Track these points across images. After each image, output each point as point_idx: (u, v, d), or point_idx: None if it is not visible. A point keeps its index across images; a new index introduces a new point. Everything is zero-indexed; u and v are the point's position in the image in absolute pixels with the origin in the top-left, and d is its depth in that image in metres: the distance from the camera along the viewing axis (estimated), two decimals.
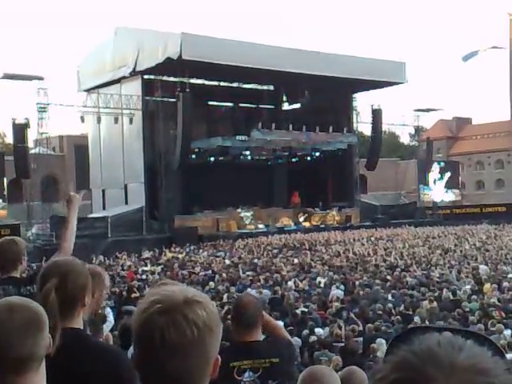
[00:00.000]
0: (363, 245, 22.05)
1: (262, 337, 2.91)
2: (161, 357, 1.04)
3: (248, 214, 31.37)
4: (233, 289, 12.42)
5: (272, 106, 36.16)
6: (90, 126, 32.01)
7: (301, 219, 33.30)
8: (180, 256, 20.25)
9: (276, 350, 2.79)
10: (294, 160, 36.21)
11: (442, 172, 42.12)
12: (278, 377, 2.63)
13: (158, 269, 16.68)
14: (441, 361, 0.68)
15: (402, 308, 10.23)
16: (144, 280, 14.31)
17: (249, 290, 12.37)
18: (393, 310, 10.09)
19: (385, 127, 40.07)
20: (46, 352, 1.52)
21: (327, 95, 33.23)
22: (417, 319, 9.37)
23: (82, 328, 2.12)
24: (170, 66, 27.03)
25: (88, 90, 31.59)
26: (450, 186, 42.28)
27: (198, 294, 1.12)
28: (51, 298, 1.90)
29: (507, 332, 8.09)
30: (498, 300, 10.32)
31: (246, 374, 2.60)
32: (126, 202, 29.98)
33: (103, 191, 31.86)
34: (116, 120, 29.19)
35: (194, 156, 30.25)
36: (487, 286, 11.80)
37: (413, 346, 0.72)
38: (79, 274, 2.12)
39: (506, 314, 9.34)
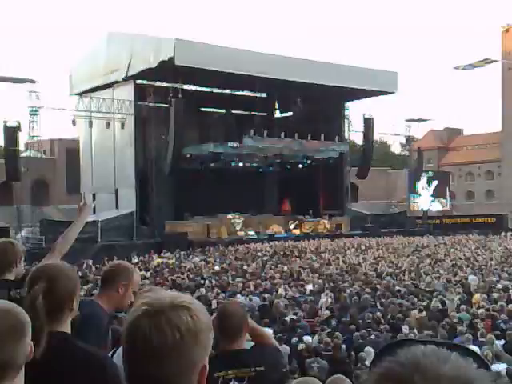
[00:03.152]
0: (353, 253, 22.08)
1: (247, 345, 2.89)
2: (143, 359, 1.04)
3: (239, 220, 31.36)
4: (222, 295, 12.37)
5: (264, 114, 36.24)
6: (82, 129, 31.92)
7: (291, 227, 33.33)
8: (170, 262, 20.17)
9: (262, 358, 2.76)
10: (285, 167, 36.27)
11: (429, 181, 42.42)
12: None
13: (148, 274, 16.60)
14: (427, 372, 0.69)
15: (390, 317, 10.23)
16: None
17: (238, 296, 12.34)
18: (381, 319, 10.09)
19: (376, 136, 40.42)
20: (25, 360, 1.49)
21: (319, 103, 33.37)
22: (405, 328, 9.37)
23: (69, 332, 2.09)
24: (162, 71, 27.05)
25: (80, 94, 31.59)
26: (437, 195, 42.49)
27: (189, 300, 1.12)
28: (38, 302, 1.89)
29: (499, 342, 8.11)
30: (487, 310, 10.35)
31: None
32: (117, 207, 29.88)
33: (94, 195, 31.68)
34: (108, 124, 29.18)
35: (185, 162, 30.22)
36: (476, 296, 11.84)
37: (399, 357, 0.72)
38: (68, 278, 2.10)
39: (493, 325, 9.37)
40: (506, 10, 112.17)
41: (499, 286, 13.26)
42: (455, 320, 9.75)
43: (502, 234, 32.63)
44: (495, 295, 11.90)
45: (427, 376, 0.68)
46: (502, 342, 8.30)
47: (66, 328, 2.08)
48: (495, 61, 55.02)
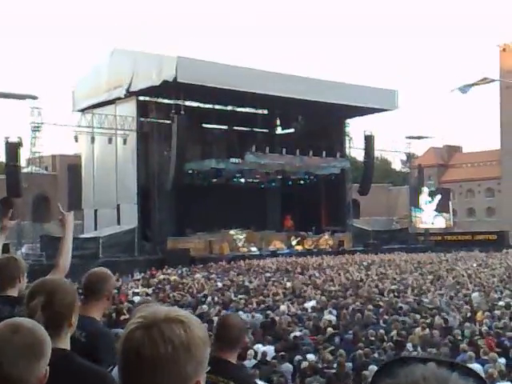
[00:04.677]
0: (356, 270, 22.02)
1: (235, 361, 2.90)
2: (136, 370, 1.05)
3: (241, 236, 31.31)
4: (224, 312, 12.32)
5: (266, 130, 36.40)
6: (84, 145, 32.06)
7: (293, 243, 33.27)
8: (172, 278, 20.11)
9: (240, 376, 2.79)
10: (287, 183, 36.32)
11: (432, 195, 42.43)
12: None
13: (149, 291, 16.54)
14: None
15: (393, 334, 10.18)
16: (134, 302, 14.16)
17: (241, 313, 12.28)
18: (385, 336, 10.05)
19: (377, 153, 40.46)
20: (38, 383, 1.47)
21: (320, 120, 33.54)
22: (409, 346, 9.33)
23: (68, 348, 2.06)
24: (165, 88, 27.28)
25: (82, 110, 31.76)
26: (440, 210, 42.49)
27: (185, 314, 1.12)
28: (37, 316, 1.87)
29: (501, 360, 8.07)
30: (490, 328, 10.31)
31: None
32: (119, 223, 29.84)
33: (95, 211, 31.73)
34: (110, 140, 29.30)
35: (187, 178, 30.28)
36: (479, 313, 11.80)
37: (397, 379, 0.72)
38: (67, 293, 2.08)
39: (497, 342, 9.33)
40: (504, 29, 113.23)
41: (501, 303, 13.22)
42: (458, 337, 9.72)
43: (504, 251, 32.57)
44: (497, 312, 11.85)
45: None
46: (504, 360, 8.25)
47: (66, 344, 2.05)
48: (493, 80, 55.40)
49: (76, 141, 30.13)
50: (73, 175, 38.57)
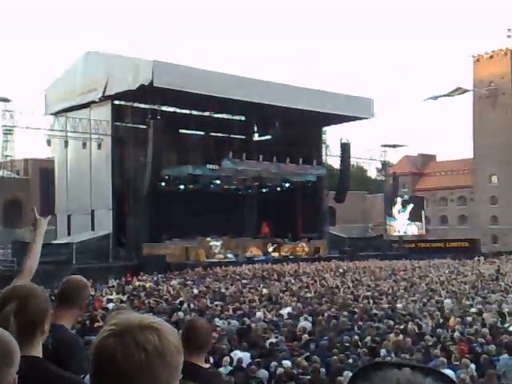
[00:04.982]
0: (331, 277, 22.16)
1: (204, 365, 2.91)
2: (110, 379, 1.04)
3: (217, 243, 31.23)
4: (201, 319, 12.27)
5: (243, 137, 36.48)
6: (57, 150, 31.63)
7: (270, 249, 33.32)
8: (147, 285, 19.95)
9: (210, 379, 2.80)
10: (263, 190, 36.40)
11: (405, 204, 43.08)
12: None
13: (124, 297, 16.38)
14: None
15: (368, 340, 10.28)
16: (109, 309, 14.02)
17: (217, 320, 12.26)
18: (359, 342, 10.13)
19: (353, 161, 40.86)
20: None
21: (297, 128, 33.75)
22: (383, 352, 9.42)
23: (40, 356, 2.02)
24: (140, 92, 27.07)
25: (56, 114, 31.28)
26: (413, 218, 43.11)
27: (159, 322, 1.11)
28: (10, 323, 1.82)
29: (473, 366, 8.20)
30: (462, 334, 10.48)
31: None
32: (93, 229, 29.50)
33: (69, 216, 31.31)
34: (84, 145, 28.91)
35: (163, 183, 30.12)
36: (452, 319, 11.98)
37: None
38: (39, 299, 2.03)
39: (469, 348, 9.48)
40: (477, 39, 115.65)
41: (473, 309, 13.45)
42: (431, 343, 9.86)
43: (475, 258, 33.13)
44: (469, 319, 12.05)
45: None
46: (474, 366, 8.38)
47: (38, 352, 2.01)
48: (467, 90, 56.75)
49: (49, 145, 29.65)
50: (45, 180, 38.08)
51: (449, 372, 7.80)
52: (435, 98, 54.49)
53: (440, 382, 0.74)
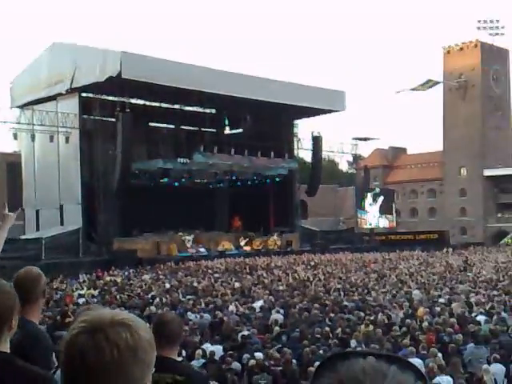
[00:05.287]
0: (303, 269, 22.33)
1: (178, 358, 2.94)
2: (81, 377, 1.02)
3: (189, 237, 31.11)
4: (172, 312, 12.23)
5: (214, 130, 36.31)
6: (24, 143, 31.01)
7: (242, 243, 33.36)
8: (118, 279, 19.78)
9: (185, 370, 2.81)
10: (235, 184, 36.35)
11: (375, 197, 43.63)
12: None
13: (95, 292, 16.22)
14: None
15: (338, 331, 10.39)
16: (80, 304, 13.87)
17: (189, 314, 12.24)
18: (330, 334, 10.24)
19: (324, 154, 41.08)
20: None
21: (269, 121, 33.77)
22: (353, 343, 9.54)
23: (8, 351, 2.00)
24: (109, 84, 26.64)
25: (22, 107, 30.66)
26: (383, 211, 43.68)
27: (131, 317, 1.09)
28: None
29: (441, 355, 8.36)
30: (430, 324, 10.67)
31: None
32: (62, 223, 29.07)
33: (37, 211, 30.77)
34: (51, 138, 28.37)
35: (134, 177, 29.80)
36: (420, 310, 12.19)
37: (338, 373, 0.74)
38: (7, 295, 2.00)
39: (437, 338, 9.67)
40: (448, 32, 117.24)
41: (441, 300, 13.71)
42: (399, 333, 10.02)
43: (444, 249, 33.80)
44: (438, 309, 12.29)
45: None
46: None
47: (6, 347, 1.99)
48: (437, 83, 57.55)
49: (15, 138, 29.07)
50: (12, 174, 37.27)
51: (417, 361, 7.96)
52: (407, 90, 55.09)
53: (404, 369, 0.75)
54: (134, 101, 29.90)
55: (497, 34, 61.24)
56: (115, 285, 18.08)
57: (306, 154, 41.11)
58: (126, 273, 22.21)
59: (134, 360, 1.04)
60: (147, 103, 32.46)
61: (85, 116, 28.95)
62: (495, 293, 14.52)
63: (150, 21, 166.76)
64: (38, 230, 29.94)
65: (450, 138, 60.07)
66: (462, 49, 61.37)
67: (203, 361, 8.48)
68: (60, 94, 29.18)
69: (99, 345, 1.02)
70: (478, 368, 8.04)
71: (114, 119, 28.08)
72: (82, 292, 16.60)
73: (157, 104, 33.01)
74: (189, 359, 8.29)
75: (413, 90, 54.71)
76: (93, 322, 1.05)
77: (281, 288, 16.72)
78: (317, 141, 37.11)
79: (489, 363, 8.10)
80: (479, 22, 61.56)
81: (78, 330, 1.05)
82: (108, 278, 20.24)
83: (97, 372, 1.01)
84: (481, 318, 11.03)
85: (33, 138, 28.60)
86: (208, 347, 9.22)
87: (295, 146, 38.19)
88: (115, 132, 27.69)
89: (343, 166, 70.37)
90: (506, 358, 8.20)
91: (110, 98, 29.13)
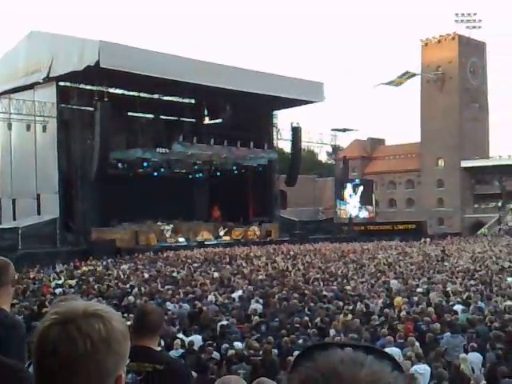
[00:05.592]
0: (282, 259, 22.38)
1: (157, 348, 2.98)
2: (53, 368, 1.01)
3: (168, 227, 30.98)
4: (151, 303, 12.15)
5: (193, 120, 36.09)
6: (0, 132, 30.50)
7: (221, 233, 33.33)
8: (97, 269, 19.61)
9: (165, 360, 2.84)
10: (215, 174, 36.24)
11: (355, 188, 43.94)
12: (158, 383, 2.66)
13: (73, 282, 16.06)
14: (344, 378, 0.73)
15: (317, 320, 10.44)
16: (57, 294, 13.72)
17: (168, 303, 12.18)
18: (309, 323, 10.27)
19: (304, 145, 41.15)
20: None
21: (248, 111, 33.66)
22: (332, 332, 9.59)
23: None
24: (87, 73, 26.33)
25: None
26: (364, 202, 44.03)
27: (104, 308, 1.08)
28: None
29: (418, 344, 8.45)
30: (408, 313, 10.77)
31: (129, 376, 2.60)
32: (39, 213, 28.73)
33: (13, 201, 30.31)
34: (28, 127, 27.97)
35: (112, 167, 29.47)
36: (398, 299, 12.30)
37: (316, 363, 0.75)
38: None
39: (415, 327, 9.76)
40: (426, 24, 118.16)
41: (419, 289, 13.86)
42: (378, 323, 10.10)
43: (422, 240, 34.20)
44: (415, 298, 12.41)
45: (344, 382, 0.72)
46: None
47: None
48: (415, 74, 57.98)
49: None
50: None
51: (395, 350, 8.03)
52: (385, 84, 55.40)
53: (381, 359, 0.77)
54: (112, 90, 29.57)
55: (474, 27, 61.85)
56: (93, 275, 17.94)
57: (285, 145, 41.18)
58: (104, 263, 22.04)
59: (107, 351, 1.03)
60: (126, 93, 32.11)
61: (62, 105, 28.58)
62: (472, 282, 14.73)
63: (130, 12, 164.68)
64: (14, 219, 29.53)
65: (427, 129, 60.67)
66: (439, 41, 61.88)
67: (182, 351, 8.44)
68: (37, 83, 28.81)
69: (71, 336, 1.01)
70: (454, 357, 8.14)
71: (92, 108, 27.74)
72: (60, 282, 16.43)
73: (136, 93, 32.65)
74: (167, 349, 8.25)
75: (389, 83, 55.08)
76: (65, 313, 1.05)
77: (260, 278, 16.74)
78: (296, 131, 37.14)
79: (466, 352, 8.20)
80: (457, 15, 62.10)
81: (50, 321, 1.04)
82: (85, 268, 20.06)
83: (69, 364, 1.01)
84: (458, 308, 11.17)
85: (9, 126, 28.20)
86: (187, 337, 9.19)
87: (275, 137, 38.17)
88: (93, 121, 27.38)
89: (322, 157, 70.65)
90: (483, 347, 8.31)
91: (88, 87, 28.80)
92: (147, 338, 2.78)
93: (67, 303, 1.10)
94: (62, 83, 28.54)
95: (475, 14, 61.85)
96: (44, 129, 28.12)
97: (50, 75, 28.04)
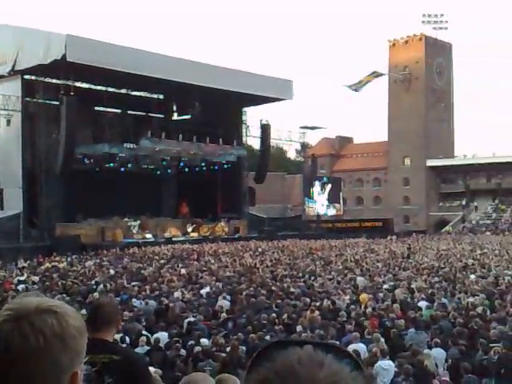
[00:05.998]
0: (250, 256, 22.38)
1: (111, 340, 2.98)
2: (5, 364, 0.99)
3: (135, 223, 30.67)
4: (117, 299, 11.97)
5: (162, 116, 35.75)
6: None
7: (189, 230, 33.17)
8: (61, 265, 19.23)
9: (121, 351, 2.85)
10: (183, 170, 36.01)
11: (324, 186, 44.28)
12: (115, 374, 2.64)
13: (36, 279, 15.72)
14: (301, 379, 0.70)
15: (285, 317, 10.46)
16: (19, 291, 13.41)
17: (134, 300, 12.03)
18: (276, 320, 10.28)
19: (273, 142, 41.23)
20: None
21: (218, 108, 33.52)
22: (299, 328, 9.62)
23: None
24: (53, 67, 25.91)
25: None
26: (331, 200, 44.43)
27: (59, 304, 1.07)
28: None
29: (383, 340, 8.54)
30: (373, 309, 10.89)
31: (84, 367, 2.56)
32: (2, 208, 28.23)
33: None
34: None
35: (77, 162, 28.96)
36: (364, 296, 12.42)
37: (274, 363, 0.73)
38: None
39: (380, 323, 9.87)
40: (394, 24, 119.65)
41: (385, 286, 14.03)
42: (344, 319, 10.17)
43: (388, 237, 34.70)
44: (381, 295, 12.55)
45: (301, 383, 0.70)
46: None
47: None
48: (382, 74, 58.74)
49: None
50: None
51: (361, 346, 8.10)
52: (354, 88, 56.06)
53: (341, 358, 0.75)
54: (79, 84, 29.08)
55: (441, 28, 62.82)
56: (57, 271, 17.60)
57: (254, 142, 41.18)
58: (69, 259, 21.65)
59: (61, 347, 1.02)
60: (93, 87, 31.58)
61: (27, 99, 28.06)
62: (436, 279, 14.99)
63: (100, 6, 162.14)
64: None
65: (394, 128, 61.50)
66: (406, 42, 62.73)
67: (147, 348, 8.34)
68: (2, 76, 28.25)
69: (24, 332, 1.00)
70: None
71: (57, 102, 27.25)
72: (22, 278, 16.07)
73: (103, 88, 32.14)
74: (132, 346, 8.14)
75: (356, 87, 55.72)
76: (18, 309, 1.03)
77: (228, 274, 16.70)
78: (265, 128, 37.18)
79: (429, 348, 8.32)
80: (424, 15, 63.00)
81: (3, 318, 1.03)
82: (49, 264, 19.66)
83: (22, 360, 0.99)
84: (422, 304, 11.35)
85: None
86: (153, 334, 9.09)
87: (244, 134, 38.14)
88: (59, 115, 26.92)
89: (291, 154, 70.95)
90: (446, 343, 8.45)
91: (54, 80, 28.28)
92: (103, 331, 2.78)
93: (20, 300, 1.08)
94: (27, 76, 28.00)
95: (442, 15, 62.89)
96: (8, 123, 27.65)
97: (15, 68, 27.55)
